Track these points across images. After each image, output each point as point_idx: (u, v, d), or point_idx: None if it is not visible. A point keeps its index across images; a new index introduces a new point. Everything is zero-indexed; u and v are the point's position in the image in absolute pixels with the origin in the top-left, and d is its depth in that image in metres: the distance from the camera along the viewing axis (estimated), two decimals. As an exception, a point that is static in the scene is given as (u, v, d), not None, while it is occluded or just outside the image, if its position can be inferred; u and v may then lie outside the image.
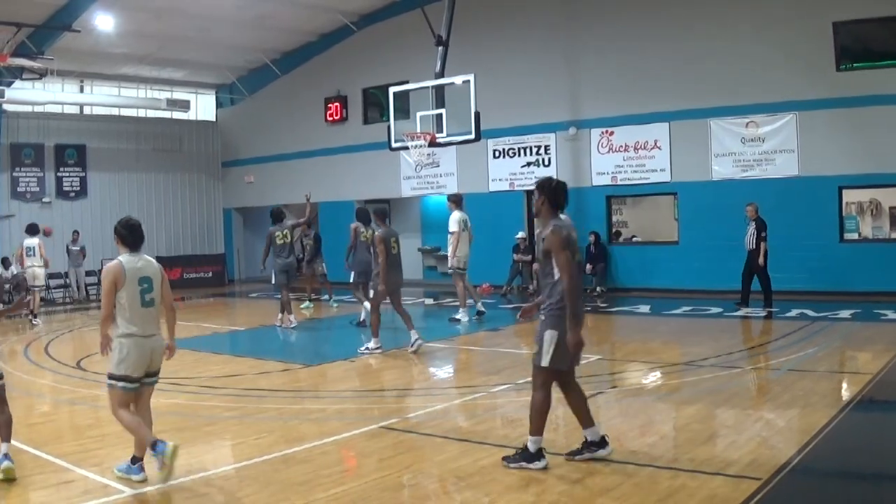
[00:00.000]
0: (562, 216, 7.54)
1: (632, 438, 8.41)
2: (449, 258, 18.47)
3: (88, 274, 27.33)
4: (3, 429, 7.49)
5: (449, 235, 18.40)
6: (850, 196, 20.70)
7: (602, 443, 7.54)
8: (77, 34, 24.09)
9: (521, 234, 24.20)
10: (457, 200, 18.72)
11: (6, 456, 7.41)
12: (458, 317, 18.08)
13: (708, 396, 10.06)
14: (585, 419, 7.61)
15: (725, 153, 21.55)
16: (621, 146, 23.24)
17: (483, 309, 18.30)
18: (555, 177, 7.93)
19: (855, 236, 20.69)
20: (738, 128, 21.33)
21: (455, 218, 18.28)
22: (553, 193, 7.50)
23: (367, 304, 16.55)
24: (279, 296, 18.51)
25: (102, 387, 11.72)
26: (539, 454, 7.39)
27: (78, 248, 26.77)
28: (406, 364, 13.53)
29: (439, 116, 19.22)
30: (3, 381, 7.63)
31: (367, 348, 14.26)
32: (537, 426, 7.41)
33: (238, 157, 33.83)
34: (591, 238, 22.99)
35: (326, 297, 22.86)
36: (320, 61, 30.46)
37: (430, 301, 23.04)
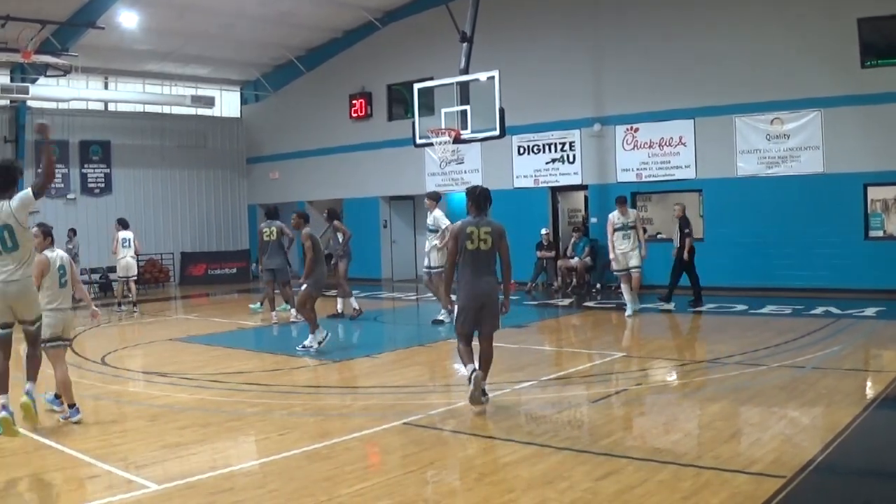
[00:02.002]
0: (485, 216, 9.93)
1: (656, 436, 8.41)
2: (436, 257, 17.33)
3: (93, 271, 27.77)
4: (31, 366, 8.77)
5: (433, 235, 17.43)
6: (874, 193, 20.51)
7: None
8: (101, 31, 24.20)
9: (545, 231, 24.21)
10: (437, 198, 17.98)
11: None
12: (441, 318, 17.24)
13: (732, 394, 10.03)
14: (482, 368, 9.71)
15: (750, 150, 21.44)
16: (646, 143, 23.18)
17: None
18: (480, 185, 10.54)
19: (880, 234, 20.51)
20: (762, 124, 21.22)
21: (443, 213, 17.65)
22: (476, 199, 9.94)
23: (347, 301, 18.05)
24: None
25: (127, 382, 11.82)
26: (469, 379, 9.47)
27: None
28: (430, 360, 13.58)
29: (464, 113, 19.26)
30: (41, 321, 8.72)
31: (302, 346, 14.18)
32: (464, 361, 9.74)
33: (263, 154, 33.94)
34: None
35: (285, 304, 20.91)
36: (345, 58, 30.47)
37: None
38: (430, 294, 17.96)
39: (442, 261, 17.08)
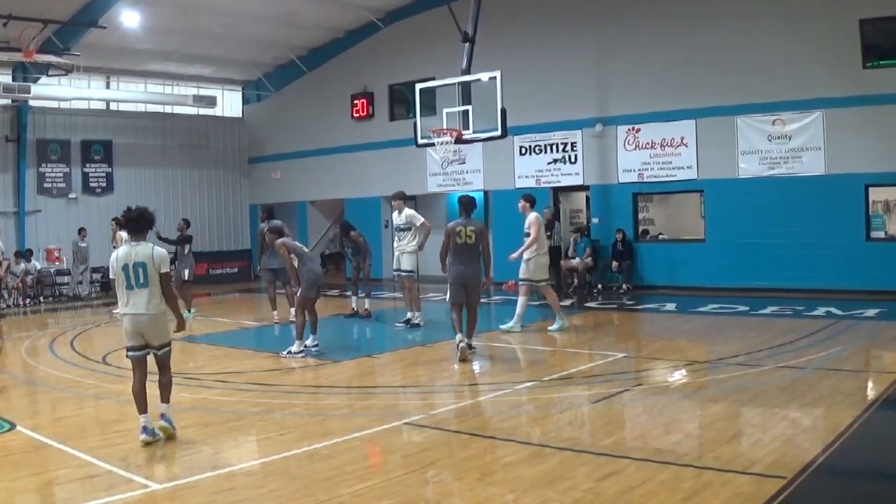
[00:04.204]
0: (471, 217, 13.35)
1: (657, 436, 8.41)
2: (407, 261, 17.03)
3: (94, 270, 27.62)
4: (164, 390, 8.75)
5: (405, 233, 17.05)
6: (876, 194, 20.51)
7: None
8: (103, 30, 24.23)
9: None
10: (404, 197, 17.66)
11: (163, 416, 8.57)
12: (417, 321, 17.00)
13: (733, 394, 10.03)
14: (467, 332, 13.12)
15: (752, 150, 21.43)
16: (648, 143, 23.16)
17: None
18: (467, 194, 14.11)
19: (881, 235, 20.50)
20: (764, 125, 21.21)
21: (415, 212, 17.44)
22: (464, 205, 13.33)
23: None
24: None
25: (128, 382, 11.83)
26: (457, 346, 12.78)
27: (86, 245, 26.90)
28: (431, 360, 13.54)
29: (466, 113, 19.21)
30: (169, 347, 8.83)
31: (289, 352, 13.79)
32: (455, 329, 12.97)
33: (264, 154, 33.93)
34: (618, 236, 22.93)
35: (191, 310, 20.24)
36: (347, 58, 30.48)
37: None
38: (430, 294, 17.82)
39: (413, 265, 17.09)
